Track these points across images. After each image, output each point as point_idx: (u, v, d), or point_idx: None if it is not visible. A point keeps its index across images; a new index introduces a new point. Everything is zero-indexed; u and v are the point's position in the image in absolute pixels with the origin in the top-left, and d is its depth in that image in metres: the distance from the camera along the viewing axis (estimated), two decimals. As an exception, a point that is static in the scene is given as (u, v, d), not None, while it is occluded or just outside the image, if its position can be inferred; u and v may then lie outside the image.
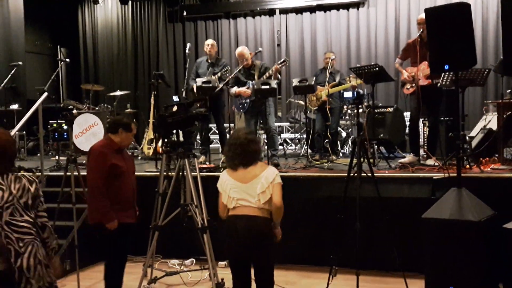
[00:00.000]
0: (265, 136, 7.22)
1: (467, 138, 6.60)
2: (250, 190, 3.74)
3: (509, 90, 7.20)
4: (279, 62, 7.13)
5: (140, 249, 5.63)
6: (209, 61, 7.71)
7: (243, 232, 3.69)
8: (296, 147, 9.65)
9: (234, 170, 3.83)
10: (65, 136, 9.11)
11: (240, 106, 7.31)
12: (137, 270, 5.02)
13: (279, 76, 7.24)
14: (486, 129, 6.71)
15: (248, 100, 7.17)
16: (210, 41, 7.87)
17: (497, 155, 6.13)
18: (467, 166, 5.85)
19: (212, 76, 7.36)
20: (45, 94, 7.15)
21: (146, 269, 5.04)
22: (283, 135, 10.34)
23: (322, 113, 7.85)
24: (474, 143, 6.63)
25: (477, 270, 4.63)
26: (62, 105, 9.96)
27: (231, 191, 3.79)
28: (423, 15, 5.28)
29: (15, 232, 2.96)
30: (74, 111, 8.80)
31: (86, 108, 9.23)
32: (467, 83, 6.07)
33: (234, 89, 7.25)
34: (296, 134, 9.85)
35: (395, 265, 4.65)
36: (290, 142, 10.20)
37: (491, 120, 7.07)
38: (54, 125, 9.23)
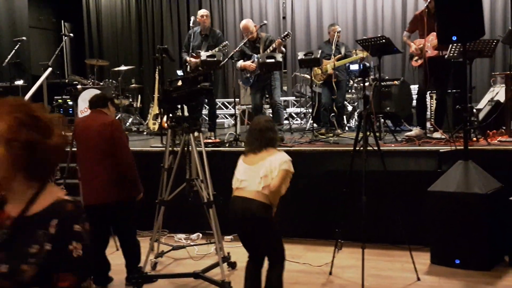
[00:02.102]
0: (271, 111, 7.18)
1: (474, 110, 6.54)
2: (254, 173, 3.76)
3: (517, 62, 7.11)
4: (282, 36, 7.04)
5: (146, 223, 5.66)
6: (203, 33, 7.50)
7: (239, 213, 3.77)
8: (302, 121, 9.61)
9: (247, 155, 3.89)
10: (70, 111, 9.12)
11: (246, 80, 7.26)
12: (144, 244, 5.05)
13: (283, 49, 7.16)
14: (493, 101, 6.65)
15: (254, 74, 7.11)
16: (204, 12, 7.65)
17: (504, 128, 6.09)
18: (474, 138, 5.81)
19: (209, 50, 7.25)
20: (50, 69, 7.14)
21: (152, 244, 5.06)
22: (289, 109, 10.30)
23: (328, 87, 7.79)
24: (481, 115, 6.58)
25: (483, 242, 4.64)
26: (66, 80, 9.94)
27: (238, 173, 3.87)
28: (430, -15, 5.19)
29: None
30: (79, 87, 8.78)
31: (91, 83, 9.20)
32: (475, 54, 6.00)
33: (240, 63, 7.18)
34: (302, 108, 9.80)
35: (401, 238, 4.66)
36: (295, 116, 10.17)
37: (498, 92, 6.99)
38: (59, 100, 9.23)
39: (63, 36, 10.13)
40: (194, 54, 7.36)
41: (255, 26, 7.23)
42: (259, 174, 3.71)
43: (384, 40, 6.50)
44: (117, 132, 4.37)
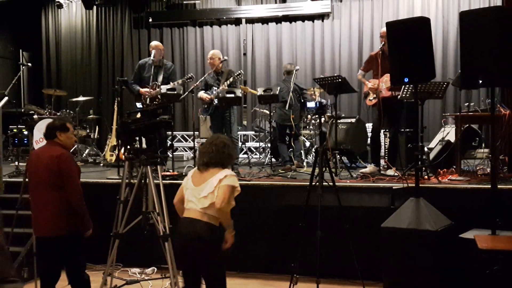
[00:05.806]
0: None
1: (425, 149, 6.75)
2: (197, 194, 3.72)
3: (467, 103, 7.41)
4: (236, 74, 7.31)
5: (100, 257, 5.55)
6: (156, 64, 7.54)
7: (184, 234, 3.70)
8: (261, 156, 9.69)
9: (197, 170, 3.85)
10: (25, 141, 8.92)
11: (204, 110, 7.46)
12: (97, 278, 4.95)
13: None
14: (444, 141, 6.88)
15: (211, 106, 7.27)
16: (160, 44, 7.77)
17: (454, 167, 6.29)
18: (426, 176, 5.99)
19: (164, 82, 7.33)
20: (6, 98, 7.02)
21: (105, 278, 4.96)
22: (248, 144, 10.37)
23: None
24: (432, 154, 6.79)
25: (434, 278, 4.74)
26: (23, 110, 9.77)
27: (186, 191, 3.83)
28: (385, 28, 5.41)
29: None
30: (35, 116, 8.65)
31: (47, 113, 9.08)
32: (426, 95, 6.22)
33: (200, 93, 7.31)
34: (261, 143, 9.89)
35: (355, 273, 4.72)
36: (254, 150, 10.24)
37: (449, 132, 7.25)
38: (14, 130, 9.03)
39: (21, 65, 10.00)
40: (152, 85, 7.39)
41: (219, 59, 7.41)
42: (202, 194, 3.68)
43: (340, 80, 6.70)
44: (65, 165, 4.26)
